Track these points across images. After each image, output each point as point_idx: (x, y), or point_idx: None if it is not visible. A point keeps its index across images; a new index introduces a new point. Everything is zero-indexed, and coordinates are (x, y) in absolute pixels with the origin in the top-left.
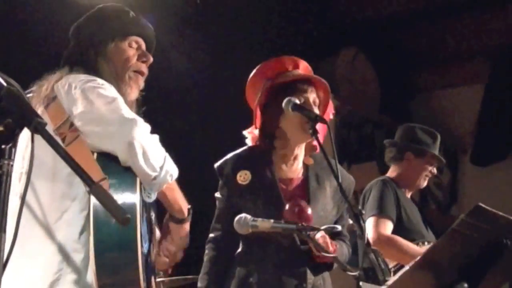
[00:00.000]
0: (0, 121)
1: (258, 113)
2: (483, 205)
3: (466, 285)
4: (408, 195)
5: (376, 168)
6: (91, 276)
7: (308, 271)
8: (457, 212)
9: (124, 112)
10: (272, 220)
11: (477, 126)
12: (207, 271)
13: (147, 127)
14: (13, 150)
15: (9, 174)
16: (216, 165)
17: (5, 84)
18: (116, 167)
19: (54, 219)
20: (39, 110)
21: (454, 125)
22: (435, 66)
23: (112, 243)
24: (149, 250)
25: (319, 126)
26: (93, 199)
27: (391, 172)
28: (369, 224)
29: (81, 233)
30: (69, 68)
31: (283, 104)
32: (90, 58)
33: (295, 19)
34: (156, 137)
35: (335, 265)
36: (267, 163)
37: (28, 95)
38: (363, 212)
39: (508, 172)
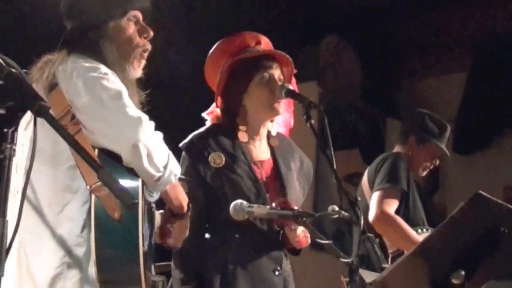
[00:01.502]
0: (1, 104)
1: (220, 91)
2: (483, 193)
3: (462, 272)
4: None
5: (359, 156)
6: (92, 270)
7: (284, 256)
8: (440, 200)
9: (129, 110)
10: (268, 207)
11: (459, 114)
12: (181, 261)
13: (152, 125)
14: (15, 134)
15: (11, 158)
16: (182, 145)
17: (6, 66)
18: (118, 166)
19: (55, 213)
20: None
21: (437, 113)
22: (418, 54)
23: (113, 239)
24: (150, 243)
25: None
26: (93, 196)
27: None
28: (375, 198)
29: (83, 227)
30: (69, 51)
31: (276, 90)
32: (90, 41)
33: (279, 5)
34: (160, 135)
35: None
36: (238, 145)
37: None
38: (359, 199)
39: (490, 160)
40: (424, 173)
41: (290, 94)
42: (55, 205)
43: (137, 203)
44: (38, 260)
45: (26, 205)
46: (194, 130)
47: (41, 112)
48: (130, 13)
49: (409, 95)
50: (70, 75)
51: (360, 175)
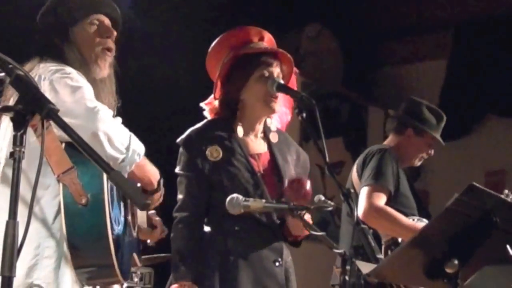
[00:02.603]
0: (10, 107)
1: (219, 83)
2: (476, 184)
3: (456, 261)
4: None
5: (342, 144)
6: (67, 258)
7: (284, 247)
8: (422, 187)
9: (87, 102)
10: (263, 200)
11: (440, 100)
12: (181, 255)
13: (109, 113)
14: (24, 136)
15: (20, 161)
16: (179, 140)
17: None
18: (81, 156)
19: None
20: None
21: None
22: (399, 41)
23: (82, 229)
24: (126, 229)
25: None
26: (61, 185)
27: (390, 142)
28: (363, 194)
29: (54, 218)
30: (39, 58)
31: (267, 85)
32: (56, 46)
33: None
34: (118, 119)
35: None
36: (234, 138)
37: None
38: (352, 191)
39: (472, 146)
40: (419, 163)
41: (281, 88)
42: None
43: (149, 203)
44: None
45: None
46: (190, 126)
47: (50, 115)
48: (92, 16)
49: (390, 82)
50: (38, 79)
51: (343, 164)
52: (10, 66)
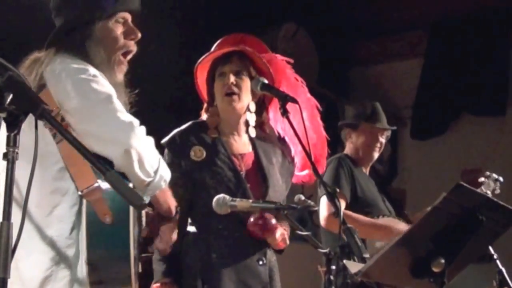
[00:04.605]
0: (3, 108)
1: (205, 86)
2: (464, 183)
3: (442, 260)
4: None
5: None
6: (82, 272)
7: (267, 247)
8: (399, 185)
9: (120, 115)
10: (250, 200)
11: (416, 100)
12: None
13: (143, 130)
14: (17, 137)
15: (14, 162)
16: (164, 142)
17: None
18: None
19: (44, 214)
20: None
21: (393, 99)
22: (374, 40)
23: (104, 241)
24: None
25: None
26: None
27: (347, 150)
28: (322, 204)
29: (72, 228)
30: (56, 51)
31: (252, 84)
32: (77, 41)
33: None
34: (151, 140)
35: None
36: (218, 139)
37: None
38: (338, 190)
39: (448, 144)
40: (377, 155)
41: (265, 88)
42: (43, 206)
43: (146, 204)
44: (28, 262)
45: (14, 206)
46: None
47: (44, 115)
48: (118, 14)
49: (366, 81)
50: (58, 76)
51: None
52: (2, 66)
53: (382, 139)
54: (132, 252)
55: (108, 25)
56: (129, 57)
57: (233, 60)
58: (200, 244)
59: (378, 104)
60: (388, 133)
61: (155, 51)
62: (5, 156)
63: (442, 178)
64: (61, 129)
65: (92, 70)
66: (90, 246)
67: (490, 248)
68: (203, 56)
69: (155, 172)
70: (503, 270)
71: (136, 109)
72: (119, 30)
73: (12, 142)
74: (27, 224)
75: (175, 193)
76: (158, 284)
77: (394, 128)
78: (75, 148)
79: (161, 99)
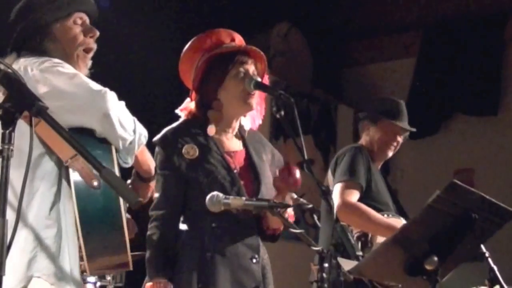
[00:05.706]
0: None
1: (196, 84)
2: (458, 182)
3: (436, 258)
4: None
5: (312, 142)
6: (69, 249)
7: (261, 244)
8: (391, 185)
9: (91, 85)
10: (244, 198)
11: (408, 99)
12: (156, 253)
13: (115, 94)
14: (13, 134)
15: (9, 159)
16: (155, 140)
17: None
18: (88, 141)
19: (26, 203)
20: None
21: None
22: (368, 40)
23: (96, 211)
24: None
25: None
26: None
27: (362, 141)
28: (336, 190)
29: (51, 209)
30: (17, 54)
31: (245, 83)
32: (38, 42)
33: None
34: (123, 103)
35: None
36: (209, 137)
37: None
38: (331, 189)
39: (441, 144)
40: (391, 153)
41: (259, 86)
42: (26, 196)
43: (141, 201)
44: (15, 249)
45: None
46: (166, 126)
47: (39, 112)
48: (75, 14)
49: (359, 81)
50: (25, 71)
51: (313, 162)
52: None
53: (400, 139)
54: (124, 216)
55: (66, 24)
56: (90, 54)
57: (250, 60)
58: (193, 242)
59: (403, 103)
60: (406, 134)
61: (147, 51)
62: (0, 153)
63: (435, 177)
64: (56, 126)
65: (55, 59)
66: (83, 217)
67: (482, 246)
68: (218, 49)
69: (134, 130)
70: (495, 268)
71: (133, 111)
72: (77, 28)
73: (7, 139)
74: (12, 214)
75: (168, 191)
76: (151, 284)
77: (414, 130)
78: (71, 145)
79: (155, 102)
